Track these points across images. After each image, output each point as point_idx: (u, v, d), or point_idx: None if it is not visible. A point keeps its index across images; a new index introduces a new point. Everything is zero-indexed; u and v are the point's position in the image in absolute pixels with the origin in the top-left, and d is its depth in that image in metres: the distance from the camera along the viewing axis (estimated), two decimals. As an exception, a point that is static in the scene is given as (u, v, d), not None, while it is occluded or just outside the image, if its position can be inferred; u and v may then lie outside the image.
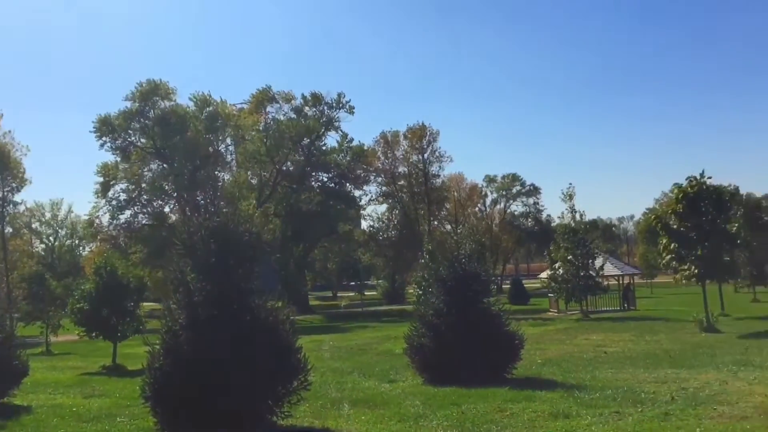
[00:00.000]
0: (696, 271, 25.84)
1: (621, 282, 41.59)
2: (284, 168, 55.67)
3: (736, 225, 28.03)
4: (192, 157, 48.32)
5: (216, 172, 52.76)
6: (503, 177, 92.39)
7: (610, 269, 39.98)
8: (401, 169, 70.39)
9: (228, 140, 54.65)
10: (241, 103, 57.47)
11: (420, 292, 34.11)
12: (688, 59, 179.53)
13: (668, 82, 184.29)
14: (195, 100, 50.93)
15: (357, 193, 63.03)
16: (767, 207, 47.76)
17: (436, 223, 72.99)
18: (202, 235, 10.01)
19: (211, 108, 50.63)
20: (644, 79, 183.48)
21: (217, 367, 9.10)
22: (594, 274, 34.91)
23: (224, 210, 31.30)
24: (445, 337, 13.47)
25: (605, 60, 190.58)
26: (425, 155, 68.81)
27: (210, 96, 51.32)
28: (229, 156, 55.68)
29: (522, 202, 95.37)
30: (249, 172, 55.63)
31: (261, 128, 54.94)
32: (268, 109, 57.10)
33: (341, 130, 57.17)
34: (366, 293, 64.93)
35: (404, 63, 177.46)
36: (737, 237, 27.45)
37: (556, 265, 35.70)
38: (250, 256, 10.13)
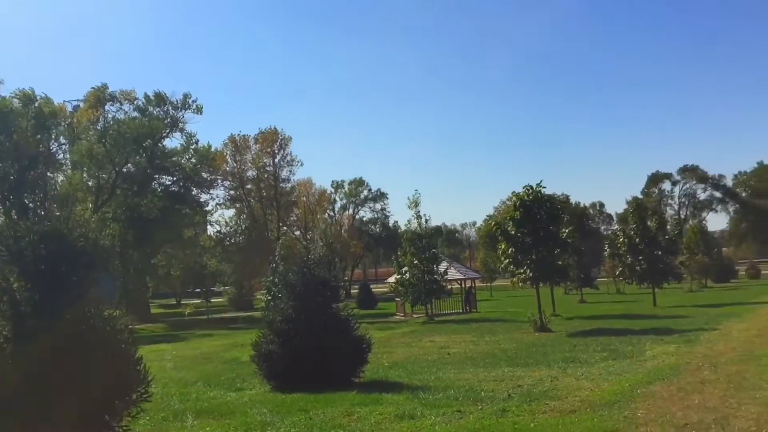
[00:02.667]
0: (531, 274, 27.42)
1: (463, 285, 43.35)
2: (125, 170, 52.76)
3: (567, 231, 30.08)
4: (19, 157, 44.61)
5: (48, 174, 49.12)
6: (350, 182, 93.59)
7: (453, 273, 41.56)
8: (250, 173, 69.28)
9: (61, 139, 51.13)
10: (77, 101, 54.04)
11: (269, 298, 33.73)
12: (527, 77, 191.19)
13: (508, 96, 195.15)
14: (18, 96, 46.91)
15: (203, 197, 61.20)
16: (593, 215, 51.92)
17: (285, 228, 72.45)
18: (30, 240, 9.24)
19: (36, 104, 46.93)
20: (488, 93, 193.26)
21: (45, 381, 8.42)
22: (438, 278, 36.10)
23: (56, 213, 29.17)
24: (293, 344, 13.35)
25: (451, 68, 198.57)
26: (276, 159, 68.21)
27: (33, 92, 47.48)
28: (62, 156, 52.13)
29: (370, 207, 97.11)
30: (85, 174, 52.17)
31: (100, 128, 51.83)
32: (108, 108, 53.91)
33: (187, 132, 55.26)
34: (212, 300, 63.10)
35: (256, 68, 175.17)
36: (567, 243, 29.47)
37: (403, 269, 36.56)
38: (85, 263, 9.48)
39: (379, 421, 9.60)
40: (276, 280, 30.87)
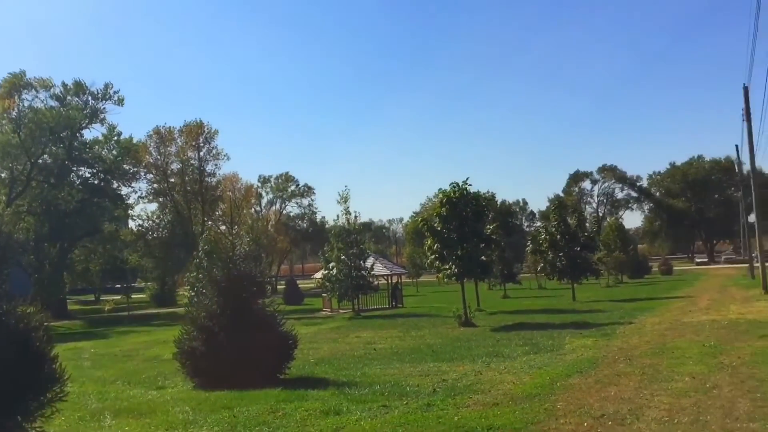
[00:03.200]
0: (456, 270, 27.80)
1: (390, 281, 43.61)
2: (40, 161, 50.62)
3: (491, 228, 30.64)
4: None
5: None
6: (277, 177, 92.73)
7: (380, 269, 41.73)
8: (175, 166, 67.60)
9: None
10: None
11: (192, 294, 33.01)
12: (459, 75, 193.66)
13: (438, 95, 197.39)
14: None
15: (125, 190, 59.36)
16: (517, 212, 53.19)
17: (210, 223, 71.08)
18: (-65, 233, 8.75)
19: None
20: (418, 91, 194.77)
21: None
22: (365, 274, 36.20)
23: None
24: (218, 340, 13.13)
25: (380, 66, 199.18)
26: (201, 153, 66.80)
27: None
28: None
29: (297, 203, 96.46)
30: (-3, 165, 49.78)
31: (14, 117, 49.45)
32: (24, 96, 51.51)
33: (108, 122, 53.41)
34: (133, 296, 61.33)
35: (183, 60, 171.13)
36: (492, 239, 30.02)
37: (331, 265, 36.48)
38: (-3, 257, 9.06)
39: (304, 418, 9.55)
40: (200, 275, 30.26)
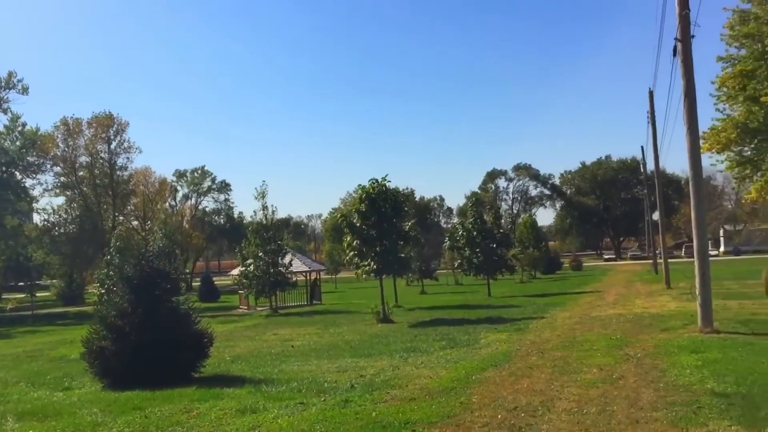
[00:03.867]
0: (375, 266, 27.91)
1: (308, 277, 43.40)
2: (-64, 151, 47.82)
3: (410, 224, 30.91)
4: None
5: None
6: (193, 171, 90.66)
7: (298, 265, 41.47)
8: (83, 159, 65.08)
9: None
10: None
11: (102, 292, 31.90)
12: (373, 72, 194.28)
13: (356, 91, 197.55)
14: None
15: (29, 182, 56.70)
16: (435, 209, 53.90)
17: (122, 218, 68.82)
18: None
19: None
20: (333, 85, 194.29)
21: None
22: (283, 270, 35.87)
23: None
24: (129, 339, 12.71)
25: (296, 63, 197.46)
26: (112, 146, 64.54)
27: None
28: None
29: (213, 198, 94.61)
30: None
31: None
32: None
33: (12, 112, 50.88)
34: (38, 294, 58.68)
35: (92, 49, 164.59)
36: (410, 235, 30.28)
37: (248, 261, 35.96)
38: None
39: (219, 417, 9.36)
40: (111, 272, 29.33)
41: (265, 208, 35.96)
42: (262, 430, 8.39)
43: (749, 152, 30.05)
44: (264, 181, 42.87)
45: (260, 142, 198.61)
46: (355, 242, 28.07)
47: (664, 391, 9.11)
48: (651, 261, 57.35)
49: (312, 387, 11.42)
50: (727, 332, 14.79)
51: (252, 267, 35.35)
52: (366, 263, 28.14)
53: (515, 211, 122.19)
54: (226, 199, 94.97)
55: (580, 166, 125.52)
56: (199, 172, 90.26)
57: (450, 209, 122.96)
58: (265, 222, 35.88)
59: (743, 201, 57.31)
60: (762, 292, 26.66)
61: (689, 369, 10.62)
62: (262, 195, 35.99)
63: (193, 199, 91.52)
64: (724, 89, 28.61)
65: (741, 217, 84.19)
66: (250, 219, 39.07)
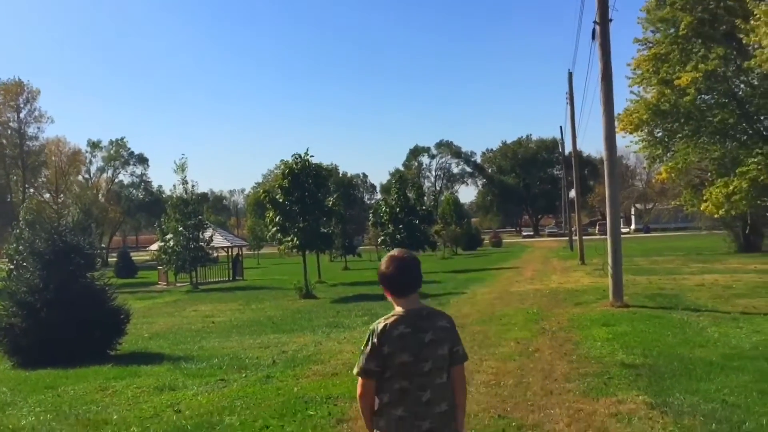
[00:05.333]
0: (298, 242, 27.77)
1: (230, 253, 42.79)
2: None
3: (333, 200, 30.86)
4: None
5: None
6: (110, 143, 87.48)
7: (219, 241, 40.83)
8: (-10, 128, 61.80)
9: None
10: None
11: (11, 267, 30.51)
12: (297, 46, 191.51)
13: (278, 64, 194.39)
14: None
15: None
16: (358, 185, 53.93)
17: (32, 191, 65.84)
18: None
19: None
20: (255, 60, 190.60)
21: None
22: (204, 246, 35.21)
23: None
24: (40, 316, 12.23)
25: (218, 36, 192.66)
26: (21, 115, 61.50)
27: None
28: None
29: (130, 171, 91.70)
30: None
31: None
32: None
33: None
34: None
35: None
36: (333, 211, 30.24)
37: (167, 236, 35.10)
38: None
39: (137, 395, 9.15)
40: (20, 247, 28.04)
41: (185, 182, 35.13)
42: (181, 407, 8.26)
43: (660, 134, 31.34)
44: (183, 155, 41.85)
45: (181, 115, 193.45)
46: (277, 218, 27.83)
47: (577, 363, 9.47)
48: (567, 238, 59.31)
49: (233, 363, 11.31)
50: (636, 306, 15.47)
51: (171, 242, 34.51)
52: (289, 239, 27.96)
53: (438, 188, 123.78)
54: (143, 173, 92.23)
55: (501, 144, 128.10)
56: (116, 143, 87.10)
57: (373, 186, 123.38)
58: (185, 196, 35.03)
59: (654, 181, 59.84)
60: (669, 268, 28.01)
61: (600, 342, 11.06)
62: (182, 168, 35.10)
63: (110, 172, 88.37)
64: (639, 72, 29.66)
65: (651, 196, 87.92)
66: (169, 193, 38.01)
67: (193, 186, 35.64)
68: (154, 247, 39.69)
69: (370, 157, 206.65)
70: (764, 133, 29.79)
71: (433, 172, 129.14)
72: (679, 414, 6.63)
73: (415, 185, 53.77)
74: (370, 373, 3.46)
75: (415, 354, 3.41)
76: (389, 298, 3.59)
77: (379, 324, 3.49)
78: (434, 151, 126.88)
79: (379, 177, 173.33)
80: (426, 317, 3.56)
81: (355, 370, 3.54)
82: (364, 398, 3.52)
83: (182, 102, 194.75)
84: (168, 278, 37.85)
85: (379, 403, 3.48)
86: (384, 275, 3.55)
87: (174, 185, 35.94)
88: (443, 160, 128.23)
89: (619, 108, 29.84)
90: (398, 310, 3.54)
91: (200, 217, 36.19)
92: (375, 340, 3.46)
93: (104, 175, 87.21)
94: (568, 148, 52.97)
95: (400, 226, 39.95)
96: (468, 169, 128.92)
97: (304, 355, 11.80)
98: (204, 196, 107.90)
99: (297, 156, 27.81)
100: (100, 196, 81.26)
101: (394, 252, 3.65)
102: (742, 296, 16.84)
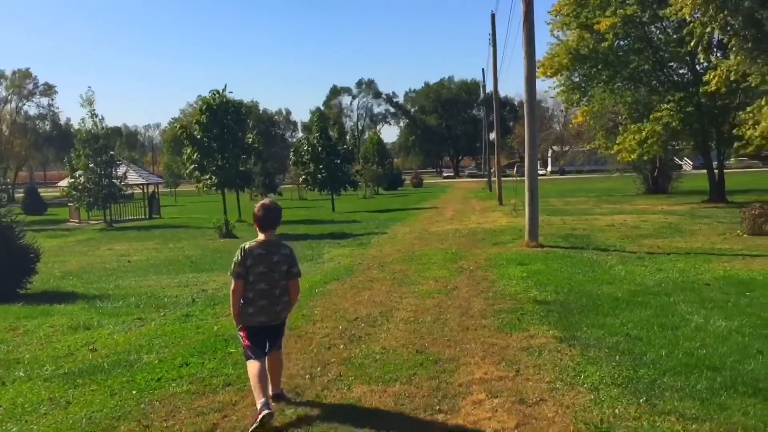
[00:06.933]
0: (217, 180, 27.27)
1: (146, 190, 41.62)
2: None
3: (252, 137, 30.30)
4: None
5: None
6: (14, 73, 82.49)
7: (134, 178, 39.62)
8: None
9: None
10: None
11: None
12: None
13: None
14: None
15: None
16: (280, 122, 53.07)
17: (-72, 121, 61.69)
18: None
19: None
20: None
21: None
22: (117, 183, 34.06)
23: None
24: (-59, 254, 11.65)
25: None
26: None
27: None
28: None
29: (36, 102, 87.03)
30: None
31: None
32: None
33: None
34: None
35: None
36: (253, 148, 29.74)
37: (77, 172, 33.71)
38: None
39: (49, 334, 8.90)
40: None
41: (93, 115, 33.49)
42: (97, 346, 8.10)
43: (578, 78, 32.06)
44: (90, 87, 39.83)
45: (91, 45, 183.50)
46: (195, 155, 27.19)
47: (493, 300, 9.79)
48: (486, 179, 60.49)
49: (151, 302, 11.14)
50: (550, 246, 16.03)
51: (82, 178, 33.17)
52: (207, 176, 27.44)
53: (360, 128, 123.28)
54: (50, 104, 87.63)
55: (424, 85, 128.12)
56: (20, 73, 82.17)
57: (295, 123, 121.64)
58: (94, 131, 33.51)
59: (570, 124, 61.42)
60: (582, 209, 29.08)
61: (515, 280, 11.45)
62: (89, 102, 33.39)
63: (14, 103, 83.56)
64: (560, 16, 30.05)
65: (567, 139, 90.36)
66: (78, 127, 36.24)
67: (102, 120, 34.07)
68: (64, 183, 38.08)
69: (293, 95, 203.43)
70: (676, 80, 30.94)
71: (356, 112, 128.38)
72: (585, 347, 6.98)
73: (337, 124, 53.37)
74: (239, 276, 5.31)
75: (268, 267, 5.33)
76: (257, 229, 5.43)
77: (246, 245, 5.38)
78: (355, 91, 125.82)
79: (302, 115, 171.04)
80: (275, 245, 5.44)
81: (229, 273, 5.42)
82: (236, 293, 5.37)
83: (92, 31, 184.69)
84: (80, 216, 36.58)
85: (246, 297, 5.34)
86: (256, 216, 5.44)
87: (82, 119, 34.20)
88: (365, 99, 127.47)
89: (540, 53, 30.32)
90: (260, 238, 5.41)
91: (112, 152, 34.83)
92: (242, 255, 5.32)
93: (7, 107, 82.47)
94: (489, 90, 53.50)
95: (321, 165, 39.69)
96: (391, 109, 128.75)
97: (225, 293, 11.68)
98: (117, 130, 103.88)
99: (215, 92, 27.03)
100: (4, 128, 76.99)
101: (266, 201, 5.60)
102: (648, 236, 17.70)
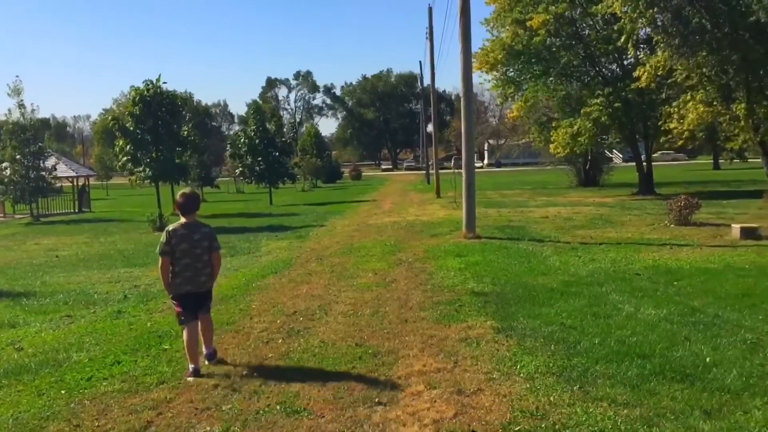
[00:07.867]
0: (151, 172, 26.61)
1: (76, 183, 40.33)
2: None
3: (188, 129, 29.68)
4: None
5: None
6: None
7: (64, 170, 38.33)
8: None
9: None
10: None
11: None
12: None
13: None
14: None
15: None
16: (216, 114, 52.18)
17: None
18: None
19: None
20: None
21: None
22: (46, 175, 32.88)
23: None
24: None
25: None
26: None
27: None
28: None
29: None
30: None
31: None
32: None
33: None
34: None
35: None
36: (188, 141, 29.13)
37: (3, 164, 32.38)
38: None
39: (-29, 334, 8.52)
40: None
41: (21, 106, 32.20)
42: (23, 344, 7.79)
43: (513, 73, 32.59)
44: (17, 76, 38.23)
45: (17, 31, 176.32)
46: (128, 147, 26.47)
47: (431, 292, 9.85)
48: (424, 172, 60.90)
49: (80, 299, 10.79)
50: (486, 237, 16.25)
51: (8, 171, 31.88)
52: (140, 169, 26.76)
53: (298, 120, 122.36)
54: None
55: (362, 78, 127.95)
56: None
57: (232, 115, 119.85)
58: (22, 121, 32.23)
59: (506, 118, 62.43)
60: (518, 201, 29.59)
61: (453, 271, 11.55)
62: (17, 92, 32.09)
63: (-68, 92, 79.66)
64: (494, 12, 30.48)
65: (503, 132, 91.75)
66: (4, 118, 34.81)
67: (33, 111, 32.82)
68: (-11, 176, 36.48)
69: (229, 87, 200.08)
70: (606, 74, 31.77)
71: (293, 104, 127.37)
72: (522, 337, 7.10)
73: (274, 116, 52.77)
74: (165, 253, 6.30)
75: (191, 244, 6.34)
76: (179, 214, 6.45)
77: (171, 227, 6.41)
78: (293, 83, 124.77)
79: (239, 107, 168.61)
80: (196, 226, 6.45)
81: (157, 251, 6.38)
82: (164, 268, 6.37)
83: (18, 17, 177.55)
84: (5, 209, 35.19)
85: (174, 271, 6.33)
86: (178, 203, 6.44)
87: (9, 109, 32.82)
88: (302, 91, 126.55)
89: (477, 47, 30.71)
90: (182, 221, 6.40)
91: (40, 144, 33.59)
92: (168, 235, 6.32)
93: (-74, 96, 78.63)
94: (426, 83, 53.86)
95: (259, 158, 39.23)
96: (328, 102, 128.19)
97: (158, 289, 11.41)
98: (45, 122, 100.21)
99: (149, 82, 26.34)
100: None
101: (185, 190, 6.58)
102: (581, 227, 18.15)
